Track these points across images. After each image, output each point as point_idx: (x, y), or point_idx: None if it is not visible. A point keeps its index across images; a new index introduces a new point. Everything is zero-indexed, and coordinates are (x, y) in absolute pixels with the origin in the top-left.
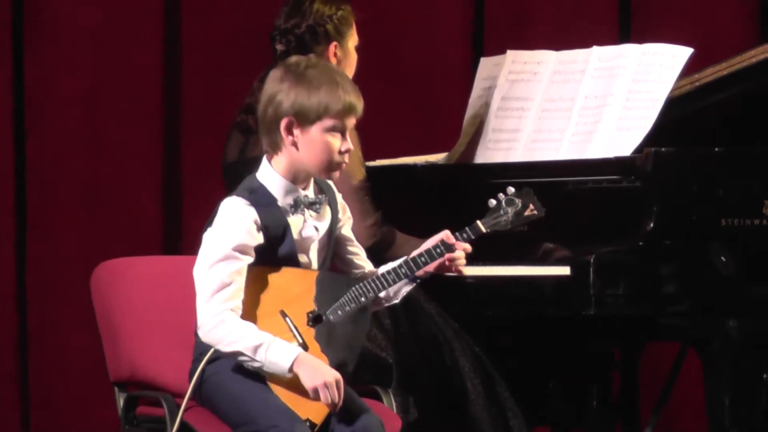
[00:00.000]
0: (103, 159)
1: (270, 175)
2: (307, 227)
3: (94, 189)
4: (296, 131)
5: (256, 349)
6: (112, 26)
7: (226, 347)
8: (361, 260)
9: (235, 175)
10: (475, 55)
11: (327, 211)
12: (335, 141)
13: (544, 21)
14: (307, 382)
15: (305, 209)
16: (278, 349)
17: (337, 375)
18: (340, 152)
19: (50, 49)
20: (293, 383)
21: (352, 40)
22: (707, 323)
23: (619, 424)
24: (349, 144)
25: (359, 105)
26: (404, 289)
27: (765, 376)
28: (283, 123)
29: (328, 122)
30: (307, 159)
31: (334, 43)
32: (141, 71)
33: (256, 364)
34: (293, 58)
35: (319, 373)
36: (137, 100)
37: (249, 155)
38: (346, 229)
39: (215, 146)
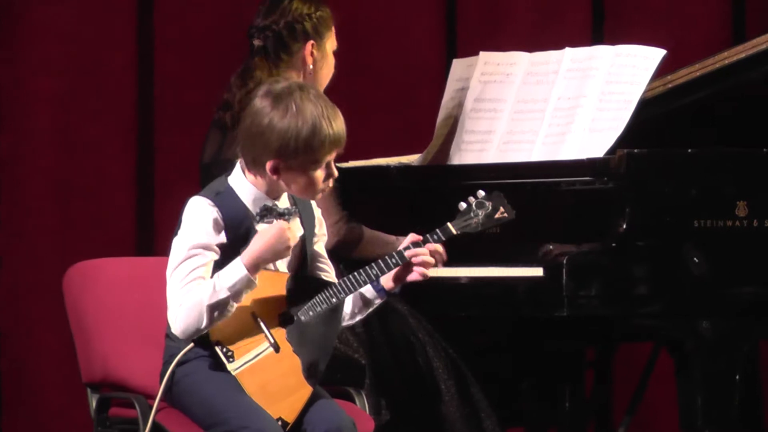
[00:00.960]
0: (76, 159)
1: (242, 182)
2: None
3: (66, 189)
4: (282, 172)
5: (214, 293)
6: (84, 25)
7: (198, 318)
8: (330, 278)
9: (210, 176)
10: (448, 57)
11: (297, 223)
12: (319, 174)
13: (517, 22)
14: (278, 255)
15: (273, 219)
16: (226, 273)
17: (280, 224)
18: (324, 181)
19: (22, 48)
20: (265, 381)
21: (331, 42)
22: (680, 324)
23: (592, 423)
24: (333, 171)
25: (343, 135)
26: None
27: (737, 377)
28: (269, 165)
29: (313, 164)
30: (290, 188)
31: (312, 42)
32: (113, 70)
33: (229, 304)
34: (280, 86)
35: (274, 245)
36: (110, 100)
37: (224, 156)
38: (320, 245)
39: (188, 146)
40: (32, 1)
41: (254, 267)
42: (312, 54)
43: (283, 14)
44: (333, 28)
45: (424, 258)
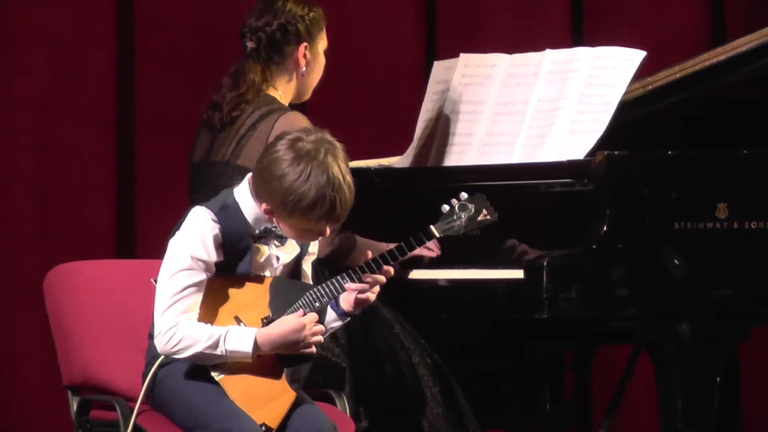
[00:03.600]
0: (56, 162)
1: (246, 198)
2: (270, 257)
3: (46, 192)
4: (275, 216)
5: (215, 345)
6: (65, 28)
7: (185, 353)
8: None
9: (199, 176)
10: (428, 59)
11: (292, 242)
12: (307, 238)
13: (497, 24)
14: (291, 351)
15: (270, 241)
16: (235, 337)
17: (302, 320)
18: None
19: (2, 51)
20: (248, 386)
21: (322, 43)
22: (660, 326)
23: (571, 426)
24: (325, 234)
25: (344, 216)
26: (333, 324)
27: (717, 378)
28: (265, 206)
29: (304, 225)
30: (280, 227)
31: (305, 44)
32: (94, 73)
33: (220, 360)
34: (309, 143)
35: (289, 338)
36: (90, 103)
37: (213, 159)
38: (307, 263)
39: (169, 149)
40: (12, 4)
41: (262, 348)
42: (305, 56)
43: (276, 15)
44: (324, 28)
45: (367, 294)
